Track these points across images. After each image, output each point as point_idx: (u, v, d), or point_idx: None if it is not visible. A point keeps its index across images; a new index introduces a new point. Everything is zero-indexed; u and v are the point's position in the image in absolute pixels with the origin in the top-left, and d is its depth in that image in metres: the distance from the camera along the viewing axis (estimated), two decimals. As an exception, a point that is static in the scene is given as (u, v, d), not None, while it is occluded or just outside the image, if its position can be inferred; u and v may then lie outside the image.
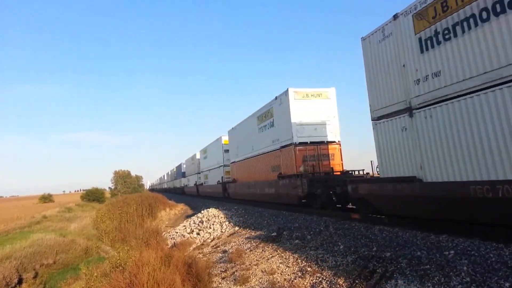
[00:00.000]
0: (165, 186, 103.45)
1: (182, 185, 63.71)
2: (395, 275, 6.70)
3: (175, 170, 75.86)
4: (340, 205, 15.69)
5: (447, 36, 8.58)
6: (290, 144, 18.07)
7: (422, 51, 9.37)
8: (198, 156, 47.72)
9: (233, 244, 13.66)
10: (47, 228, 27.58)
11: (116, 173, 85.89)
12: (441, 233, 8.36)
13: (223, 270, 10.64)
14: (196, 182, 48.44)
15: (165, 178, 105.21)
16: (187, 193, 58.05)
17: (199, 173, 46.59)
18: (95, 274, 11.02)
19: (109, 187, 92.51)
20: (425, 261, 6.89)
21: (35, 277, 14.83)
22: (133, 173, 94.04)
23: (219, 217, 19.50)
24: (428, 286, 5.96)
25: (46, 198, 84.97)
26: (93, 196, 67.81)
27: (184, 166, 62.76)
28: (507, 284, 5.28)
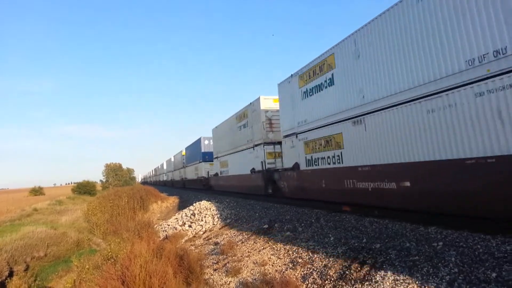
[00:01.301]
0: (164, 178, 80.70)
1: (203, 175, 37.81)
2: (384, 266, 6.80)
3: (183, 153, 51.47)
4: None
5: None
6: None
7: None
8: (267, 105, 21.62)
9: (225, 236, 13.73)
10: (37, 220, 27.39)
11: (107, 166, 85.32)
12: (430, 225, 8.47)
13: (215, 262, 10.70)
14: (263, 165, 20.79)
15: (164, 167, 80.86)
16: (218, 189, 32.01)
17: (274, 144, 21.01)
18: (87, 266, 11.04)
19: (100, 180, 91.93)
20: (414, 252, 6.99)
21: (26, 269, 14.77)
22: (124, 166, 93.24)
23: (211, 209, 19.54)
24: (416, 277, 6.06)
25: (37, 191, 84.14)
26: (84, 189, 67.43)
27: (207, 142, 38.65)
28: (494, 275, 5.39)
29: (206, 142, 38.70)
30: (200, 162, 39.56)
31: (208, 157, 37.66)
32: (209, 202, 21.44)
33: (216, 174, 32.07)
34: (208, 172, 36.76)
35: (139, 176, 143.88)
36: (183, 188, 51.57)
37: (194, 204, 21.73)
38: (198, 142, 40.91)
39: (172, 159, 66.59)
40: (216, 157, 31.64)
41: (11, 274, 14.22)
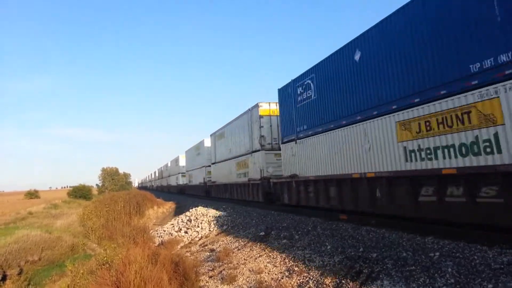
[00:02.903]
0: (181, 182, 53.73)
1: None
2: (381, 276, 6.78)
3: (270, 112, 21.41)
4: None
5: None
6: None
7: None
8: None
9: (221, 243, 13.67)
10: (32, 224, 27.19)
11: (103, 170, 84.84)
12: (427, 235, 8.47)
13: (211, 269, 10.64)
14: None
15: (180, 163, 53.98)
16: None
17: None
18: (81, 271, 10.94)
19: (97, 184, 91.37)
20: (411, 262, 6.98)
21: (19, 273, 14.62)
22: (121, 171, 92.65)
23: (208, 216, 19.47)
24: (413, 287, 6.04)
25: (32, 194, 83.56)
26: (80, 193, 66.92)
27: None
28: (490, 286, 5.38)
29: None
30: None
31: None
32: (206, 209, 21.38)
33: None
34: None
35: (135, 181, 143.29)
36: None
37: (190, 210, 21.67)
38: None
39: (207, 143, 36.36)
40: None
41: (4, 278, 14.09)
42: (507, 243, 6.84)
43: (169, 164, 68.31)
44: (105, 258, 11.47)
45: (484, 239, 7.29)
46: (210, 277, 9.92)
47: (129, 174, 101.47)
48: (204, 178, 36.67)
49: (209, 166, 35.02)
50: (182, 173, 53.08)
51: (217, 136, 32.10)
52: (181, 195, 49.72)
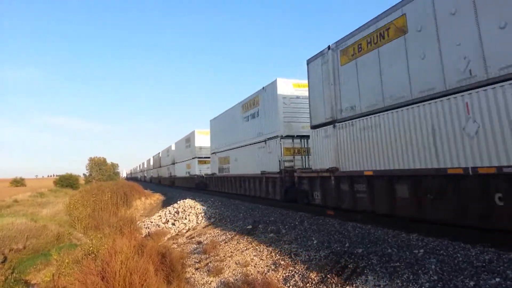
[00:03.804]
0: (195, 172, 34.88)
1: None
2: (365, 271, 6.86)
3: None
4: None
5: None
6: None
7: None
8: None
9: (208, 235, 13.69)
10: (17, 212, 26.85)
11: (91, 159, 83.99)
12: (412, 232, 8.58)
13: (197, 261, 10.66)
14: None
15: (196, 144, 35.52)
16: None
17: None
18: (67, 260, 10.86)
19: (84, 174, 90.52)
20: (395, 258, 7.07)
21: (3, 261, 14.48)
22: (108, 161, 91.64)
23: (195, 208, 19.46)
24: (397, 283, 6.12)
25: (18, 182, 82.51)
26: (66, 182, 66.19)
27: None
28: (472, 283, 5.49)
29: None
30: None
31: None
32: (194, 201, 21.38)
33: None
34: None
35: (123, 172, 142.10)
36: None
37: (178, 202, 21.65)
38: None
39: (288, 90, 17.42)
40: None
41: (-13, 266, 13.94)
42: (489, 241, 6.97)
43: (172, 147, 49.87)
44: (91, 248, 11.43)
45: (467, 237, 7.42)
46: (197, 269, 9.94)
47: (117, 164, 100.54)
48: (280, 163, 16.96)
49: (298, 137, 17.42)
50: (200, 157, 35.02)
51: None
52: (205, 193, 29.38)
